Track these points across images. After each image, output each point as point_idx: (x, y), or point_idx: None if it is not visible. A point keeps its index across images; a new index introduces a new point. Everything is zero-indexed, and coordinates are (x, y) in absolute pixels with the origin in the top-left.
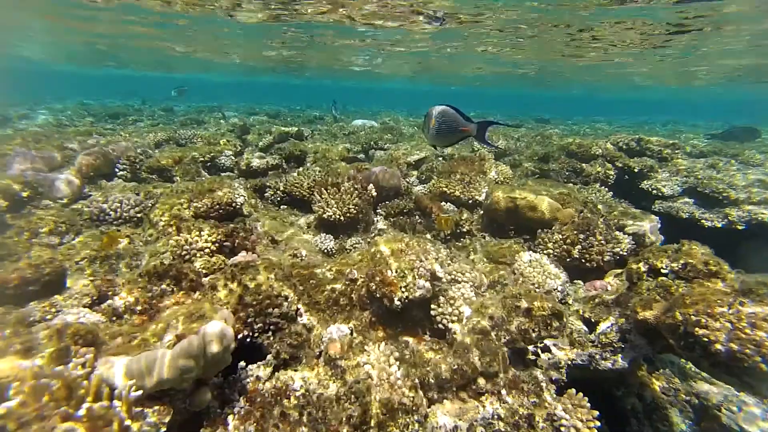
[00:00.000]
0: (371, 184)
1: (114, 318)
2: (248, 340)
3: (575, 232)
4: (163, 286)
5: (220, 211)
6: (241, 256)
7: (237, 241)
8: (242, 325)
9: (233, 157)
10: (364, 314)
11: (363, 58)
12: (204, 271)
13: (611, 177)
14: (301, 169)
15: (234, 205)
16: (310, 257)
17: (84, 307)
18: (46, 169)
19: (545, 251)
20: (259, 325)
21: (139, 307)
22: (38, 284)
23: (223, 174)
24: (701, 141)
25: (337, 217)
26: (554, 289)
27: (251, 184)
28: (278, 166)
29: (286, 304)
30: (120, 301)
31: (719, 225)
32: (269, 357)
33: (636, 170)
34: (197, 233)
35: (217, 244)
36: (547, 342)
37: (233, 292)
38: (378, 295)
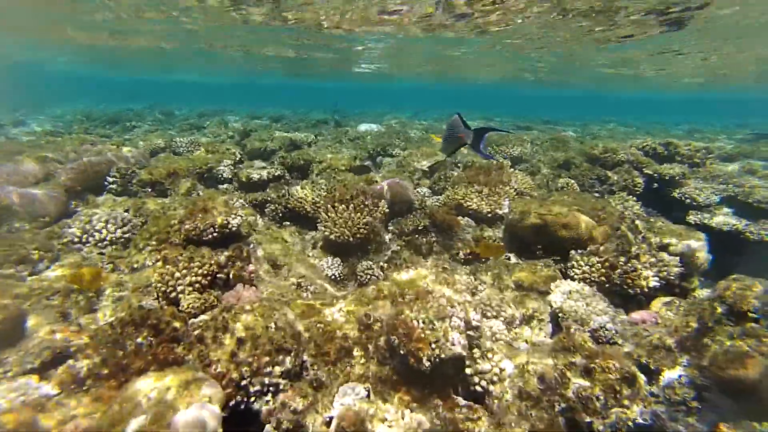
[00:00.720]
0: (383, 200)
1: (73, 386)
2: (242, 406)
3: (615, 253)
4: (139, 339)
5: (215, 234)
6: (235, 293)
7: (232, 272)
8: (235, 390)
9: (232, 167)
10: (383, 370)
11: (370, 60)
12: (192, 311)
13: (639, 185)
14: (305, 181)
15: (230, 227)
16: (316, 287)
17: (32, 372)
18: (27, 184)
19: (581, 275)
20: (256, 388)
21: (105, 371)
22: None
23: (221, 186)
24: (728, 143)
25: (346, 238)
26: (601, 327)
27: (251, 199)
28: (280, 178)
29: (288, 359)
30: (82, 363)
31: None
32: (268, 429)
33: (667, 177)
34: (186, 263)
35: (209, 277)
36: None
37: (224, 347)
38: (402, 352)
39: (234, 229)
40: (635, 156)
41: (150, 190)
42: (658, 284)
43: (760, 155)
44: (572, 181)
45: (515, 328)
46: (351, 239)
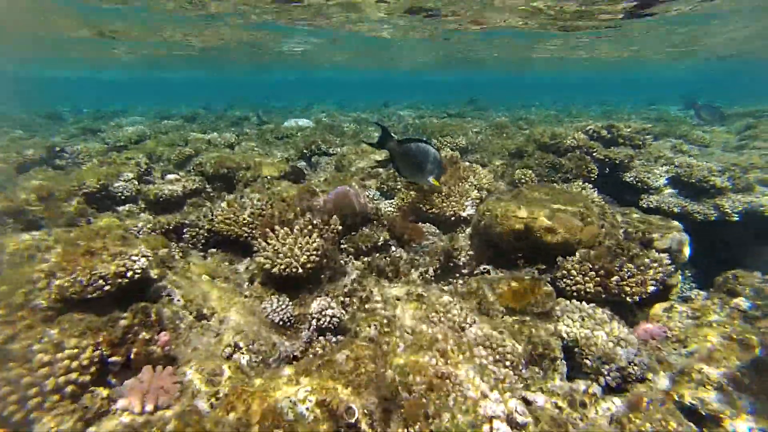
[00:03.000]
0: (334, 216)
1: None
2: None
3: (609, 258)
4: None
5: (106, 288)
6: (138, 386)
7: (135, 349)
8: None
9: (136, 182)
10: None
11: (294, 46)
12: None
13: (594, 171)
14: (231, 197)
15: (131, 275)
16: (261, 343)
17: None
18: None
19: (574, 286)
20: None
21: None
22: None
23: (121, 209)
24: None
25: (293, 270)
26: (630, 363)
27: (163, 223)
28: (199, 192)
29: None
30: None
31: (713, 218)
32: None
33: (617, 161)
34: (52, 351)
35: (94, 367)
36: None
37: None
38: None
39: (138, 276)
40: (582, 141)
41: (13, 221)
42: (656, 288)
43: (679, 134)
44: (530, 172)
45: (524, 372)
46: (300, 270)
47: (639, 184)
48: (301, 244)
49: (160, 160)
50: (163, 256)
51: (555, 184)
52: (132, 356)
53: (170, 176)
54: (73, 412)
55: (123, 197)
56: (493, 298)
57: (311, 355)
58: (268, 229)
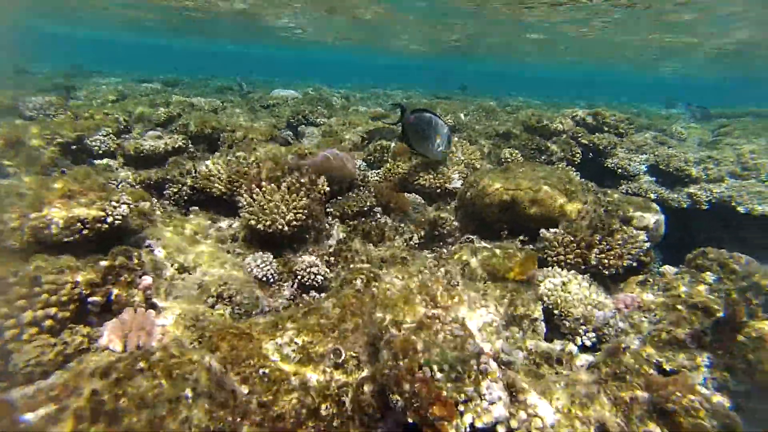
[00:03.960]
0: (322, 177)
1: None
2: None
3: (590, 231)
4: None
5: (84, 232)
6: (119, 325)
7: (116, 291)
8: None
9: (114, 137)
10: None
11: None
12: (31, 368)
13: (578, 155)
14: (216, 154)
15: (111, 221)
16: (243, 295)
17: None
18: None
19: (555, 257)
20: None
21: None
22: None
23: (98, 162)
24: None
25: (278, 227)
26: (605, 324)
27: (142, 178)
28: (182, 150)
29: None
30: None
31: (685, 205)
32: None
33: (601, 147)
34: (28, 284)
35: (73, 305)
36: None
37: None
38: (411, 420)
39: (118, 222)
40: (569, 126)
41: None
42: (632, 263)
43: (659, 127)
44: (516, 152)
45: (505, 331)
46: (285, 228)
47: (620, 170)
48: (287, 201)
49: (141, 120)
50: (143, 209)
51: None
52: (112, 298)
53: (152, 132)
54: (53, 346)
55: (101, 151)
56: (475, 264)
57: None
58: (254, 186)
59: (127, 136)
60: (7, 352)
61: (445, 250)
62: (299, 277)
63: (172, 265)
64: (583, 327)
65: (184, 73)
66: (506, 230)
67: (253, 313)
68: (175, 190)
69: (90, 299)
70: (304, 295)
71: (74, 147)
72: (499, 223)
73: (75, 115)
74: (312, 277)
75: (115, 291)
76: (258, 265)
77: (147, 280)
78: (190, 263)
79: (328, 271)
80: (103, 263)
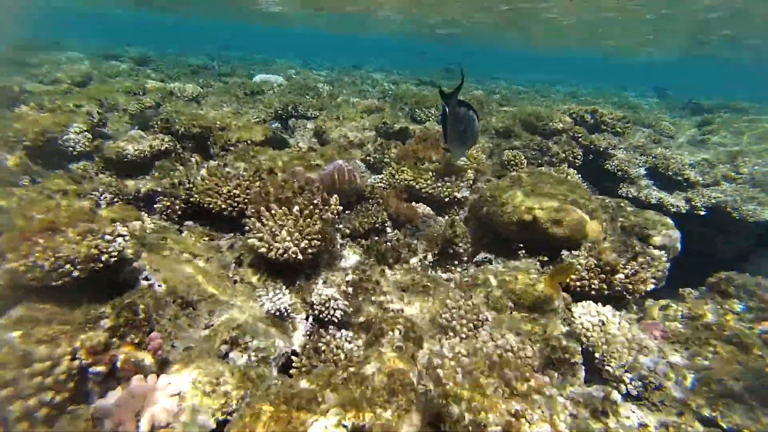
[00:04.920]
0: (335, 195)
1: None
2: None
3: (614, 255)
4: None
5: (75, 274)
6: (128, 403)
7: (122, 356)
8: None
9: (88, 135)
10: None
11: None
12: None
13: (579, 157)
14: (213, 164)
15: (106, 258)
16: (259, 341)
17: None
18: None
19: (578, 282)
20: None
21: None
22: None
23: (73, 166)
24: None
25: (292, 255)
26: (651, 371)
27: (129, 191)
28: (170, 152)
29: None
30: None
31: (684, 211)
32: None
33: (601, 149)
34: (15, 364)
35: (72, 382)
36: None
37: None
38: None
39: (113, 260)
40: (569, 125)
41: None
42: (655, 287)
43: (644, 123)
44: (520, 154)
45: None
46: (299, 256)
47: (620, 173)
48: (301, 226)
49: (115, 110)
50: (134, 231)
51: (541, 167)
52: (118, 365)
53: (133, 132)
54: None
55: (75, 153)
56: (499, 293)
57: (312, 350)
58: (263, 207)
59: (103, 129)
60: None
61: (458, 272)
62: (317, 311)
63: (174, 301)
64: (628, 375)
65: (151, 48)
66: (523, 249)
67: (271, 359)
68: (167, 204)
69: (91, 370)
70: (321, 330)
71: (42, 148)
72: (517, 241)
73: (39, 106)
74: (331, 312)
75: (122, 357)
76: (270, 299)
77: (157, 339)
78: (193, 296)
79: (347, 304)
80: (105, 322)
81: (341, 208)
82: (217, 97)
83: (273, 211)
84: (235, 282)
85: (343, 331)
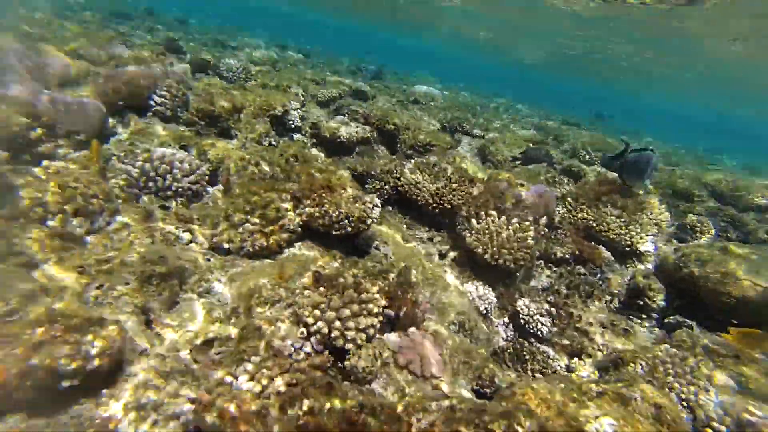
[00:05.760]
0: (544, 218)
1: None
2: None
3: None
4: None
5: (348, 229)
6: (411, 346)
7: (405, 308)
8: None
9: (298, 112)
10: None
11: None
12: (364, 373)
13: None
14: (419, 161)
15: (369, 223)
16: (479, 332)
17: None
18: (50, 85)
19: None
20: None
21: None
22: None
23: (296, 137)
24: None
25: (505, 261)
26: None
27: (345, 167)
28: (368, 141)
29: None
30: None
31: None
32: None
33: None
34: (351, 295)
35: (377, 318)
36: None
37: None
38: None
39: (370, 224)
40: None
41: (205, 124)
42: None
43: None
44: (707, 220)
45: None
46: (512, 266)
47: None
48: (520, 237)
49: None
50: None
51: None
52: (401, 314)
53: (339, 117)
54: (369, 358)
55: (293, 126)
56: (707, 371)
57: (527, 355)
58: (473, 210)
59: (300, 112)
60: (342, 348)
61: (646, 326)
62: (522, 321)
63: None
64: None
65: (307, 43)
66: (736, 325)
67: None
68: (378, 186)
69: (386, 311)
70: (521, 339)
71: (271, 118)
72: (724, 313)
73: (264, 84)
74: (537, 326)
75: (405, 308)
76: (480, 296)
77: (426, 303)
78: (416, 279)
79: (550, 323)
80: (391, 279)
81: (547, 230)
82: (384, 100)
83: (492, 218)
84: (443, 272)
85: (542, 345)
